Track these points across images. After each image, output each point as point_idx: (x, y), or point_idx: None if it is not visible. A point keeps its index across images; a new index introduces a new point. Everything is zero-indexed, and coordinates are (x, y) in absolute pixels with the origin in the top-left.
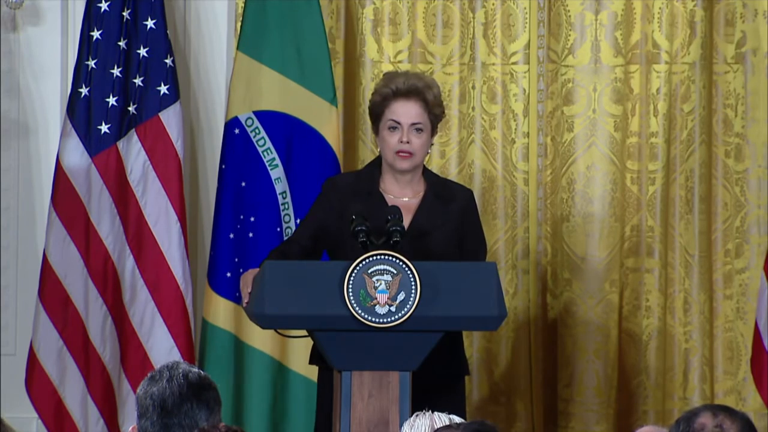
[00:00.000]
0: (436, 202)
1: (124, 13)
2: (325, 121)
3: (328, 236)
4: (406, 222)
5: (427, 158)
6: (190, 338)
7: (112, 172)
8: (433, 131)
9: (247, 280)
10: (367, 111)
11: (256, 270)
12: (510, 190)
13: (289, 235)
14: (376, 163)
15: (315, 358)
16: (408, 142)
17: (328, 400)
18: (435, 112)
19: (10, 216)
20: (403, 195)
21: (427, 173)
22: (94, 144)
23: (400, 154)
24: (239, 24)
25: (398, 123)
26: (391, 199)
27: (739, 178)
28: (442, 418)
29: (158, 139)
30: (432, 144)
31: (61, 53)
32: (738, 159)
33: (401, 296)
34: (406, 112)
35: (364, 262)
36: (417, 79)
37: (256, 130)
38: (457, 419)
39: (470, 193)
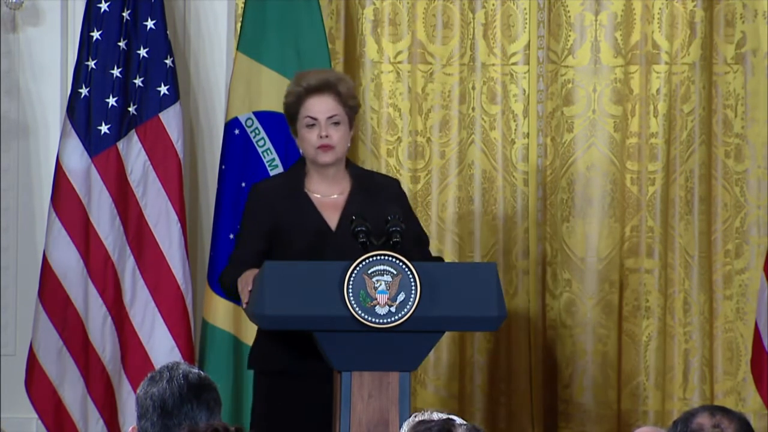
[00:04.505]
0: (363, 196)
1: (124, 14)
2: None
3: (271, 236)
4: (335, 220)
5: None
6: (191, 339)
7: (112, 173)
8: (351, 124)
9: (247, 280)
10: (366, 111)
11: (256, 270)
12: (510, 190)
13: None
14: (301, 164)
15: (253, 361)
16: (327, 136)
17: (263, 408)
18: (350, 104)
19: (10, 216)
20: (330, 193)
21: (351, 167)
22: (94, 144)
23: (322, 147)
24: (239, 24)
25: (315, 119)
26: (317, 198)
27: (739, 179)
28: (442, 418)
29: (158, 139)
30: (351, 137)
31: (61, 53)
32: (738, 159)
33: (401, 297)
34: (321, 107)
35: (364, 263)
36: (328, 74)
37: (256, 131)
38: (458, 420)
39: (397, 182)
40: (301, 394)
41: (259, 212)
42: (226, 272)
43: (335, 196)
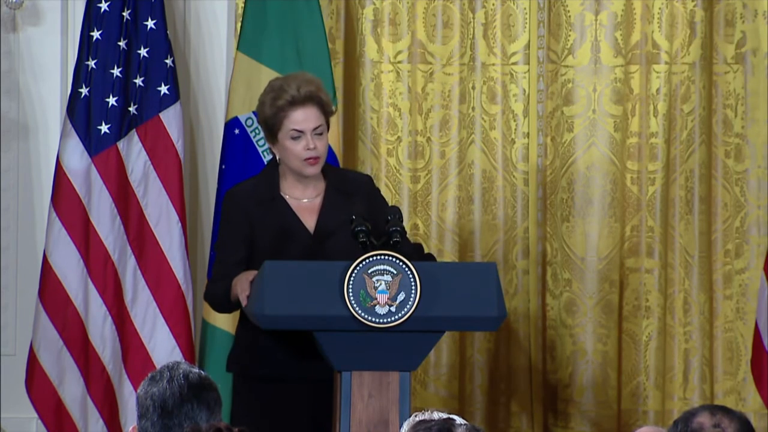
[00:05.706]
0: (338, 197)
1: (124, 14)
2: None
3: (250, 242)
4: (312, 223)
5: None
6: (192, 338)
7: (112, 173)
8: (328, 129)
9: (242, 286)
10: (366, 111)
11: (249, 273)
12: (510, 190)
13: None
14: (273, 167)
15: (233, 364)
16: (314, 148)
17: (245, 412)
18: (329, 111)
19: (10, 216)
20: (305, 196)
21: (324, 168)
22: (94, 144)
23: (309, 160)
24: (239, 24)
25: (301, 131)
26: (293, 202)
27: (739, 179)
28: (442, 418)
29: (159, 139)
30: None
31: (61, 53)
32: (738, 159)
33: (401, 296)
34: (307, 119)
35: (364, 263)
36: (308, 84)
37: (256, 131)
38: (458, 419)
39: (369, 178)
40: (282, 399)
41: (236, 219)
42: (214, 286)
43: (311, 199)
